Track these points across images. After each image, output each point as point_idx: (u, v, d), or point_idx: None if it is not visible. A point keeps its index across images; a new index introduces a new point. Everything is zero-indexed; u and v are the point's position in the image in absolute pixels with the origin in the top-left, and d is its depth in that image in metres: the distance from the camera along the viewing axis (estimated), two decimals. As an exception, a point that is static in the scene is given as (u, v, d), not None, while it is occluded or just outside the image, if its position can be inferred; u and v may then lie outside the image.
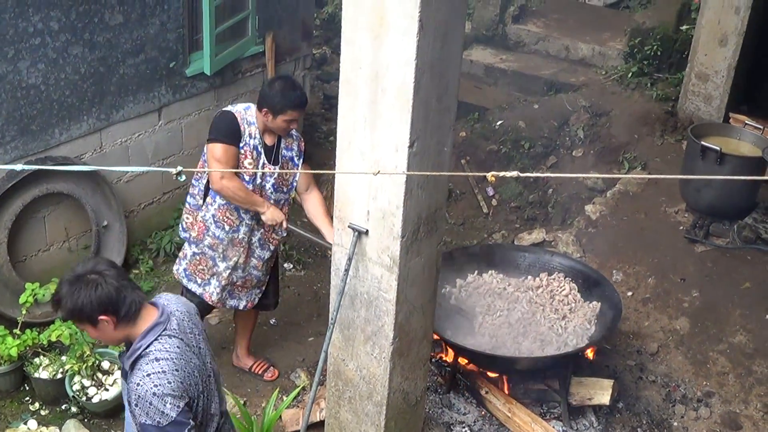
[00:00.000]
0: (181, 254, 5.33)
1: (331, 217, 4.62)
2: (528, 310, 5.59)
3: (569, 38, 9.89)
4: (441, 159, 4.18)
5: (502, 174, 2.32)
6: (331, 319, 4.51)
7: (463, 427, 5.32)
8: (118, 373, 5.45)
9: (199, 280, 5.25)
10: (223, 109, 5.23)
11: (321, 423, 5.16)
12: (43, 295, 5.61)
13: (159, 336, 3.31)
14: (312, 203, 5.24)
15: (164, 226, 7.00)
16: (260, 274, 5.35)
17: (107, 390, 5.41)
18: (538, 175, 2.20)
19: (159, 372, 3.23)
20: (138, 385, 3.21)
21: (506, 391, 5.44)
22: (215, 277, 5.23)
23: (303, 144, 5.31)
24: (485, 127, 8.34)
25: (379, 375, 4.59)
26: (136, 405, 3.22)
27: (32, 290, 5.60)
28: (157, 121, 6.77)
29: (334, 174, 4.90)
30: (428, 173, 3.41)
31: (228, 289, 5.28)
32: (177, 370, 3.26)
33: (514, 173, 2.29)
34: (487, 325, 5.55)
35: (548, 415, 5.39)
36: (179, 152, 7.03)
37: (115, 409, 5.32)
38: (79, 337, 5.46)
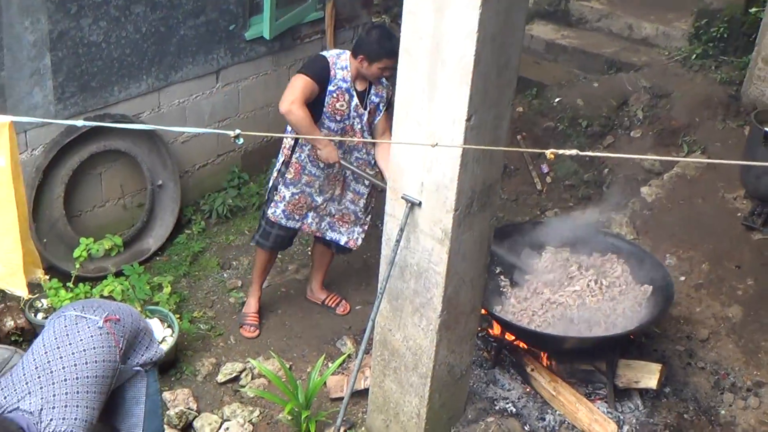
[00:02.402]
0: (276, 198, 5.55)
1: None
2: (577, 290, 5.58)
3: (633, 16, 9.75)
4: (498, 134, 4.18)
5: (561, 152, 2.32)
6: (380, 288, 4.55)
7: (507, 403, 5.34)
8: (168, 330, 5.55)
9: (297, 217, 5.59)
10: (320, 53, 5.54)
11: (365, 391, 5.22)
12: (97, 251, 5.71)
13: None
14: (383, 148, 5.42)
15: (218, 188, 7.09)
16: (357, 209, 5.64)
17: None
18: (597, 154, 2.19)
19: None
20: None
21: (552, 370, 5.45)
22: (313, 210, 5.56)
23: (390, 92, 5.44)
24: (543, 103, 8.29)
25: (426, 347, 4.62)
26: None
27: (86, 245, 5.71)
28: (215, 83, 6.83)
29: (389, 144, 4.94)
30: (485, 147, 3.41)
31: (327, 220, 5.63)
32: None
33: (573, 151, 2.29)
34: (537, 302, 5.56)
35: (593, 395, 5.39)
36: (235, 115, 7.09)
37: (163, 365, 5.42)
38: (130, 293, 5.57)
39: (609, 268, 5.65)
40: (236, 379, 5.56)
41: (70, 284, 5.62)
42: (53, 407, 3.40)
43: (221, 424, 5.22)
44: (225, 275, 6.47)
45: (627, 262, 5.69)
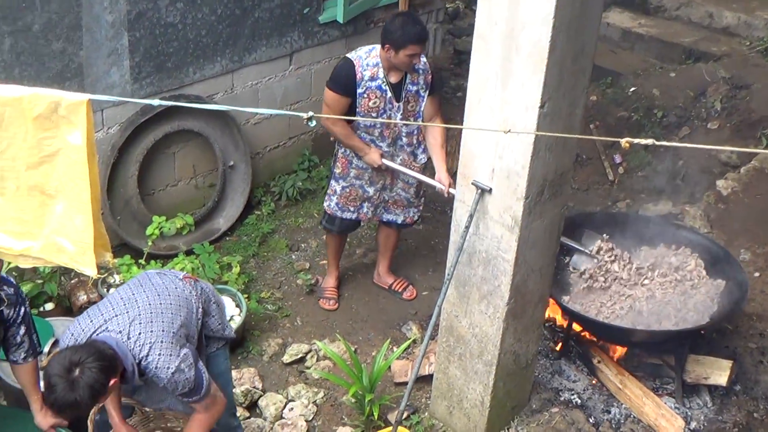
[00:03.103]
0: (329, 191, 5.69)
1: (447, 152, 4.78)
2: (647, 283, 5.52)
3: (714, 5, 9.55)
4: (571, 122, 4.15)
5: (636, 140, 2.29)
6: (448, 274, 4.56)
7: (572, 395, 5.31)
8: (236, 310, 5.63)
9: (352, 208, 5.68)
10: (347, 55, 5.52)
11: (429, 377, 5.24)
12: (169, 229, 5.82)
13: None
14: (432, 133, 5.51)
15: (288, 170, 7.15)
16: (409, 196, 5.71)
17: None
18: (673, 144, 2.16)
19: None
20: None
21: (619, 363, 5.40)
22: (367, 201, 5.64)
23: (430, 76, 5.47)
24: (617, 92, 8.18)
25: (492, 334, 4.62)
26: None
27: (159, 223, 5.82)
28: (288, 66, 6.89)
29: (460, 130, 4.93)
30: (559, 134, 3.39)
31: (382, 206, 5.71)
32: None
33: (649, 141, 2.26)
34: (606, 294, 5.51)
35: (661, 390, 5.33)
36: (307, 98, 7.14)
37: (232, 343, 5.49)
38: (200, 271, 5.66)
39: (681, 261, 5.57)
40: (302, 360, 5.62)
41: (142, 261, 5.74)
42: (140, 323, 3.71)
43: (286, 404, 5.29)
44: (293, 257, 6.53)
45: (700, 256, 5.60)
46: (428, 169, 5.67)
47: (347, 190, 5.62)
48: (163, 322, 3.77)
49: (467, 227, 4.38)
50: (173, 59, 6.03)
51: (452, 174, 4.96)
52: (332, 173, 5.70)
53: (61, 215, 3.12)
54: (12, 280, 3.95)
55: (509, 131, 3.06)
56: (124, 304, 3.81)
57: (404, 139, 5.53)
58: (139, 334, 3.70)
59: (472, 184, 4.32)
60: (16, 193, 3.15)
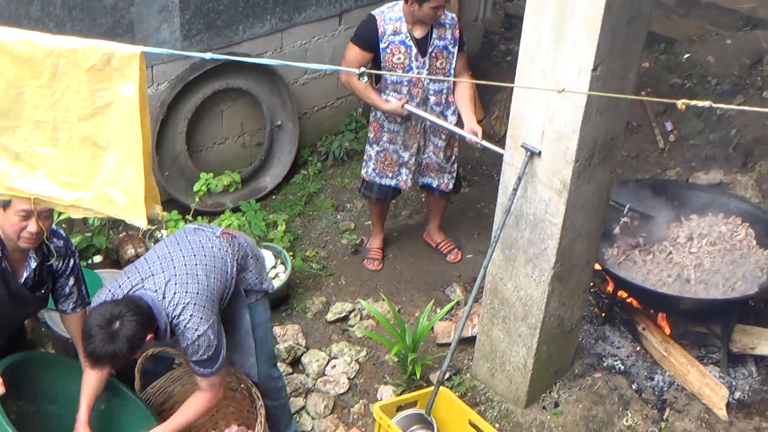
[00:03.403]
0: (365, 157, 5.67)
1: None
2: (695, 252, 5.47)
3: (773, -29, 9.35)
4: (624, 85, 4.10)
5: (693, 102, 2.26)
6: (494, 237, 4.54)
7: (615, 361, 5.30)
8: (281, 267, 5.68)
9: (390, 174, 5.65)
10: (371, 12, 5.44)
11: (472, 339, 5.25)
12: (216, 186, 5.86)
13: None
14: (461, 87, 5.45)
15: (335, 131, 7.14)
16: (439, 160, 5.64)
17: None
18: (732, 107, 2.10)
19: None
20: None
21: (665, 330, 5.37)
22: (403, 166, 5.58)
23: (458, 31, 5.40)
24: (671, 59, 8.06)
25: (537, 298, 4.61)
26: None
27: (206, 180, 5.86)
28: (338, 26, 6.86)
29: (510, 93, 4.90)
30: (612, 95, 3.35)
31: (418, 171, 5.64)
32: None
33: (706, 103, 2.22)
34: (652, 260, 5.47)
35: (705, 359, 5.30)
36: (356, 59, 7.11)
37: (274, 301, 5.54)
38: (246, 228, 5.70)
39: (731, 230, 5.51)
40: (345, 318, 5.66)
41: (189, 217, 5.79)
42: (175, 283, 3.80)
43: (328, 361, 5.34)
44: (338, 217, 6.56)
45: (751, 225, 5.54)
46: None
47: (382, 155, 5.60)
48: (198, 283, 3.84)
49: (515, 190, 4.36)
50: (223, 17, 6.03)
51: (501, 137, 4.92)
52: (367, 138, 5.70)
53: (112, 167, 3.14)
54: (62, 232, 4.01)
55: (563, 90, 3.02)
56: (161, 264, 3.89)
57: (432, 99, 5.44)
58: (174, 294, 3.78)
59: (522, 146, 4.29)
60: (68, 145, 3.17)
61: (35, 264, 3.82)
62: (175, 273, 3.83)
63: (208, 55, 3.02)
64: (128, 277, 3.87)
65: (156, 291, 3.79)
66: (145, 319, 3.66)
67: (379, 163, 5.65)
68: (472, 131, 5.31)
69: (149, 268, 3.88)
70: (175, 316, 3.76)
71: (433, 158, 5.65)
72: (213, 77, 6.16)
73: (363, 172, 5.77)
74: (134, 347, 3.65)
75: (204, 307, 3.79)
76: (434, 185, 5.81)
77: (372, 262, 6.12)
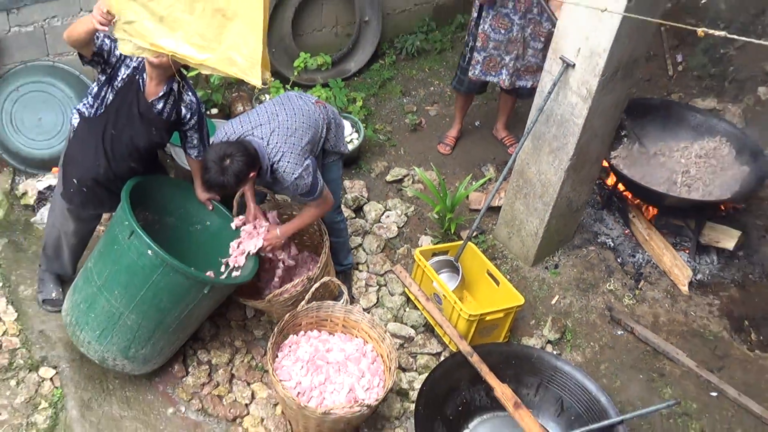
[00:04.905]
0: (473, 62, 5.34)
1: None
2: (686, 161, 5.34)
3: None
4: (653, 15, 3.91)
5: (711, 31, 2.15)
6: (527, 129, 4.47)
7: (607, 239, 5.26)
8: (355, 135, 5.63)
9: (493, 73, 5.35)
10: None
11: (497, 208, 5.23)
12: (311, 64, 5.78)
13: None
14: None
15: (410, 31, 6.93)
16: (538, 60, 5.26)
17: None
18: (743, 38, 2.00)
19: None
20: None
21: (650, 219, 5.31)
22: (504, 68, 5.30)
23: None
24: (690, 3, 7.63)
25: (554, 182, 4.57)
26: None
27: (304, 58, 5.78)
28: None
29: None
30: (645, 18, 3.20)
31: (516, 74, 5.33)
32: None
33: (722, 33, 2.12)
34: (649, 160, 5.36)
35: (678, 246, 5.24)
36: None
37: (347, 161, 5.52)
38: (332, 100, 5.64)
39: (717, 146, 5.36)
40: (400, 180, 5.64)
41: (288, 86, 5.74)
42: (278, 134, 3.80)
43: (384, 212, 5.36)
44: (404, 101, 6.46)
45: (732, 145, 5.38)
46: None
47: (487, 59, 5.29)
48: (295, 137, 3.83)
49: (549, 93, 4.25)
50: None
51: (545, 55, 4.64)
52: (473, 47, 5.32)
53: (236, 34, 3.11)
54: (196, 93, 3.90)
55: (605, 9, 2.89)
56: (268, 117, 3.87)
57: (535, 10, 5.09)
58: (276, 143, 3.78)
59: (560, 58, 4.16)
60: (202, 13, 3.14)
61: (164, 93, 3.72)
62: (279, 126, 3.83)
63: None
64: (241, 125, 3.87)
65: (262, 138, 3.79)
66: (251, 160, 3.68)
67: (485, 66, 5.33)
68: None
69: (259, 119, 3.88)
70: (275, 161, 3.78)
71: (532, 60, 5.28)
72: (317, -24, 6.01)
73: (470, 73, 5.40)
74: (239, 181, 3.69)
75: (298, 155, 3.80)
76: (529, 86, 5.39)
77: (445, 147, 5.94)
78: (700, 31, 2.09)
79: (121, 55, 3.62)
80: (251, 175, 3.72)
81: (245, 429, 4.04)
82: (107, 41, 3.61)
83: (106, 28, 3.31)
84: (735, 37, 2.03)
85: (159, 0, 3.16)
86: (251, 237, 4.14)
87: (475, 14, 5.23)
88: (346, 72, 6.53)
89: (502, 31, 5.19)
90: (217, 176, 3.64)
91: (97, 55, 3.62)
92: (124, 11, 3.18)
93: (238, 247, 4.13)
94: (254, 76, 3.14)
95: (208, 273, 4.05)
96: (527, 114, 4.66)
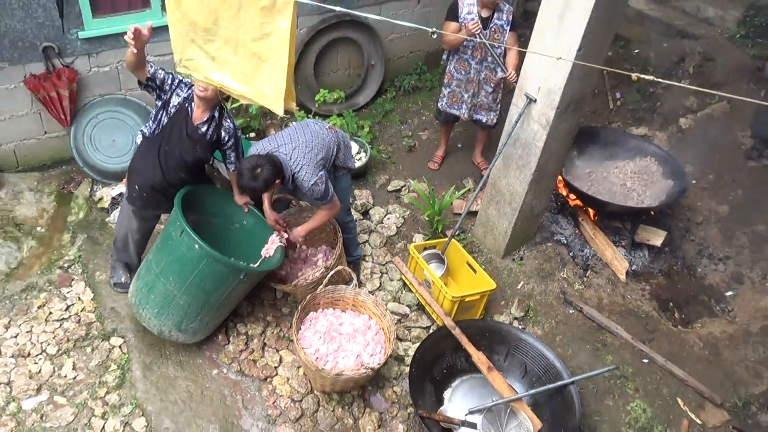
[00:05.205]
0: (441, 95, 5.32)
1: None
2: (623, 176, 5.28)
3: (701, 1, 8.66)
4: (596, 63, 3.86)
5: (642, 76, 2.11)
6: (499, 151, 4.42)
7: (562, 237, 5.20)
8: (363, 154, 5.58)
9: (456, 107, 5.34)
10: None
11: (475, 213, 5.18)
12: (329, 98, 5.72)
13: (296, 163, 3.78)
14: (510, 54, 5.00)
15: (407, 72, 6.86)
16: (489, 101, 5.27)
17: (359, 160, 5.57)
18: (666, 81, 1.96)
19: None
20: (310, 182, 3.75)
21: (595, 222, 5.25)
22: (464, 103, 5.29)
23: (511, 16, 5.01)
24: (626, 53, 7.56)
25: (519, 192, 4.51)
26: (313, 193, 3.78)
27: (323, 93, 5.72)
28: (416, 5, 6.54)
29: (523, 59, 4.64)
30: (591, 65, 3.15)
31: (473, 109, 5.31)
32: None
33: (651, 77, 2.07)
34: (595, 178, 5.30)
35: (617, 243, 5.18)
36: (427, 24, 6.75)
37: (356, 174, 5.46)
38: (345, 127, 5.58)
39: (647, 164, 5.31)
40: (399, 190, 5.59)
41: (310, 115, 5.69)
42: (298, 151, 3.77)
43: (385, 215, 5.31)
44: (402, 127, 6.40)
45: (660, 164, 5.33)
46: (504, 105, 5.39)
47: (452, 94, 5.31)
48: (311, 154, 3.78)
49: (516, 122, 4.20)
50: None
51: (512, 89, 4.63)
52: (443, 82, 5.33)
53: (267, 73, 3.06)
54: (233, 120, 3.89)
55: (560, 58, 2.84)
56: (291, 138, 3.83)
57: (489, 59, 5.10)
58: (297, 158, 3.74)
59: (525, 94, 4.11)
60: (243, 56, 3.09)
61: (207, 118, 3.71)
62: (299, 145, 3.78)
63: (338, 8, 2.87)
64: (269, 143, 3.83)
65: (286, 154, 3.75)
66: (277, 170, 3.63)
67: (449, 99, 5.34)
68: (511, 73, 4.91)
69: (283, 139, 3.83)
70: (296, 172, 3.73)
71: (485, 100, 5.29)
72: (334, 29, 5.95)
73: (438, 104, 5.43)
74: (267, 186, 3.63)
75: (314, 167, 3.75)
76: (483, 120, 5.42)
77: (434, 164, 5.86)
78: (634, 75, 2.05)
79: (172, 85, 3.63)
80: (276, 182, 3.67)
81: (274, 386, 3.99)
82: (160, 72, 3.61)
83: (133, 42, 3.29)
84: (661, 80, 1.98)
85: (211, 44, 3.12)
86: (279, 235, 4.09)
87: (445, 57, 5.23)
88: (357, 104, 6.48)
89: (462, 72, 5.16)
90: (250, 182, 3.59)
91: (151, 80, 3.59)
92: (186, 51, 3.16)
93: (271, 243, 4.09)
94: (278, 108, 3.09)
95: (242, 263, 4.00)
96: (498, 139, 4.61)
